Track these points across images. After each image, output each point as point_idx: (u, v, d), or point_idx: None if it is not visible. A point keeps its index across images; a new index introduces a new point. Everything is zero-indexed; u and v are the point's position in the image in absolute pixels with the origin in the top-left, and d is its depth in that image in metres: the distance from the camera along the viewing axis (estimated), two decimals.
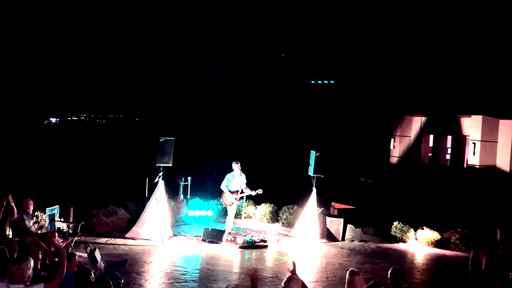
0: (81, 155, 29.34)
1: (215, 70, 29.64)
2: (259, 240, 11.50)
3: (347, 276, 5.61)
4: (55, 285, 4.74)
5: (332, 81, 24.81)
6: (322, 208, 13.21)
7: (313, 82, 25.94)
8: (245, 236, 11.64)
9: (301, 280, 5.45)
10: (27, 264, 4.63)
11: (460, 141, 19.48)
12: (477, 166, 17.49)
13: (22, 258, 4.70)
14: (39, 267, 7.69)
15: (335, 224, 12.59)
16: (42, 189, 14.49)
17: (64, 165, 23.89)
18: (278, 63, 27.46)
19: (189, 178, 13.69)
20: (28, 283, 4.61)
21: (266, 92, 28.65)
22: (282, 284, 5.36)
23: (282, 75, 27.56)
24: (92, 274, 5.52)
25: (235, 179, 11.94)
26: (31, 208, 8.94)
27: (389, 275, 6.14)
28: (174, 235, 11.88)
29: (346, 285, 5.59)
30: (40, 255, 8.19)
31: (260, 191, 11.93)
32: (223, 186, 11.99)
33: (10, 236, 8.55)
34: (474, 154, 17.63)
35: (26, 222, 8.59)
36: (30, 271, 4.65)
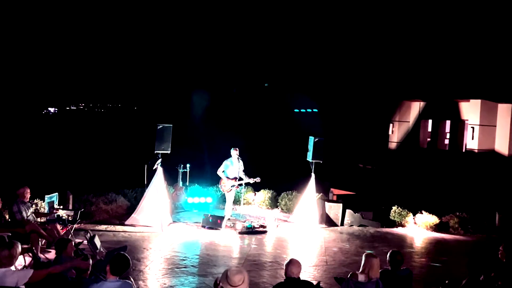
0: (80, 144, 29.35)
1: (200, 99, 29.97)
2: (258, 226, 11.53)
3: (363, 258, 5.65)
4: (43, 274, 4.80)
5: (315, 109, 25.34)
6: (321, 194, 13.24)
7: (296, 110, 26.35)
8: (244, 222, 11.67)
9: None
10: (15, 249, 4.72)
11: (459, 126, 19.48)
12: (476, 150, 17.51)
13: (10, 244, 4.76)
14: (39, 254, 7.74)
15: (334, 209, 12.62)
16: (42, 177, 14.52)
17: (64, 154, 23.91)
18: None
19: (188, 165, 13.70)
20: (15, 266, 4.69)
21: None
22: (284, 267, 5.41)
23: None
24: (90, 259, 5.56)
25: (234, 165, 11.94)
26: (28, 196, 8.92)
27: (388, 258, 6.17)
28: (174, 221, 11.90)
29: (362, 267, 5.61)
30: (40, 242, 8.24)
31: (258, 180, 11.94)
32: (220, 172, 11.99)
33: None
34: (472, 139, 17.64)
35: (23, 213, 8.57)
36: (17, 255, 4.73)
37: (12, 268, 4.65)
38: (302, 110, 26.85)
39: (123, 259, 4.85)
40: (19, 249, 4.79)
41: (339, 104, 24.22)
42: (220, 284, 4.33)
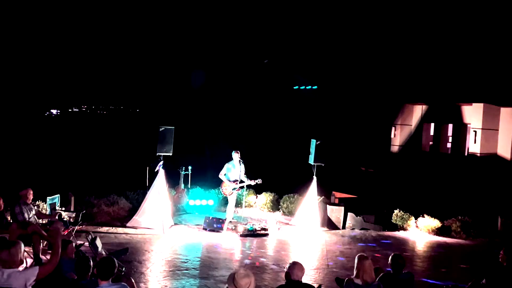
0: (82, 146, 29.38)
1: (198, 75, 30.03)
2: (259, 229, 11.51)
3: (356, 260, 5.61)
4: (49, 268, 4.74)
5: (315, 87, 25.14)
6: (323, 197, 13.22)
7: (296, 87, 26.16)
8: (246, 224, 11.65)
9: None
10: (16, 248, 4.62)
11: (461, 129, 19.43)
12: (478, 154, 17.46)
13: (12, 243, 4.69)
14: (40, 254, 7.75)
15: (336, 213, 12.60)
16: (44, 179, 14.52)
17: (66, 156, 23.93)
18: (262, 67, 27.93)
19: (189, 168, 13.70)
20: (20, 266, 4.63)
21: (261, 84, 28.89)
22: (286, 269, 5.38)
23: (267, 80, 28.07)
24: (91, 261, 5.56)
25: (235, 168, 11.94)
26: (30, 198, 8.93)
27: (390, 261, 6.16)
28: (175, 224, 11.91)
29: (355, 269, 5.58)
30: (42, 244, 8.25)
31: (259, 181, 11.93)
32: (222, 175, 11.99)
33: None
34: (475, 142, 17.59)
35: (25, 214, 8.58)
36: (22, 255, 4.65)
37: (19, 269, 4.57)
38: (302, 88, 26.54)
39: (107, 262, 4.79)
40: (21, 248, 4.72)
41: (341, 108, 24.19)
42: (227, 285, 4.31)
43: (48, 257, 8.20)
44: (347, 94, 23.85)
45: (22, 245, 4.74)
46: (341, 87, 24.20)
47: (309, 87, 25.80)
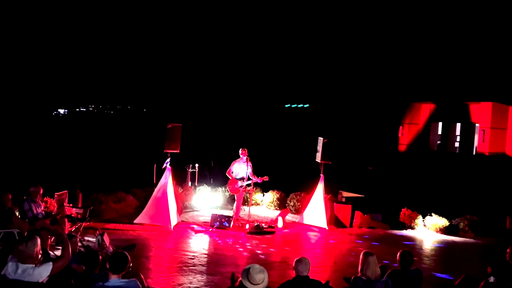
0: (90, 144, 29.52)
1: None
2: (266, 226, 11.51)
3: (361, 256, 5.61)
4: (63, 263, 4.77)
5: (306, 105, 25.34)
6: (330, 195, 13.18)
7: (287, 106, 26.32)
8: (252, 222, 11.65)
9: None
10: (33, 242, 4.65)
11: (469, 128, 19.34)
12: (486, 153, 17.37)
13: (29, 237, 4.73)
14: (48, 249, 7.79)
15: (343, 211, 12.57)
16: (52, 176, 14.60)
17: (74, 153, 24.06)
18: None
19: (196, 165, 13.70)
20: (36, 262, 4.65)
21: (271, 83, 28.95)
22: (293, 265, 5.42)
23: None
24: (99, 255, 5.57)
25: (242, 166, 11.92)
26: (40, 195, 8.96)
27: (398, 257, 6.13)
28: (182, 221, 11.92)
29: (360, 265, 5.58)
30: (50, 239, 8.30)
31: (266, 178, 11.90)
32: (229, 173, 11.99)
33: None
34: (483, 141, 17.50)
35: (34, 211, 8.63)
36: (38, 250, 4.67)
37: (33, 265, 4.60)
38: (293, 106, 26.72)
39: (120, 257, 4.80)
40: (38, 243, 4.75)
41: (349, 106, 24.15)
42: (240, 278, 4.33)
43: (56, 252, 8.26)
44: (355, 93, 23.81)
45: (39, 240, 4.78)
46: (349, 85, 24.17)
47: (300, 105, 26.07)
